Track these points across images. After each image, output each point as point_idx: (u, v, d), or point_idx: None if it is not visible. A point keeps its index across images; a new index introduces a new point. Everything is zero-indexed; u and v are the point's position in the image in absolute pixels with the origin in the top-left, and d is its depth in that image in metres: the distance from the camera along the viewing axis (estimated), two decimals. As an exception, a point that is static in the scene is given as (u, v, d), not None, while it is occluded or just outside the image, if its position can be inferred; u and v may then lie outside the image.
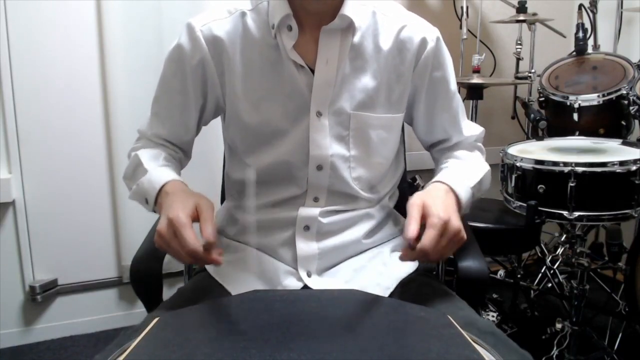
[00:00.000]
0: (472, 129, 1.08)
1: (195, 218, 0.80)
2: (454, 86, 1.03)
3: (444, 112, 1.04)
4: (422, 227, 0.81)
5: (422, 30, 0.97)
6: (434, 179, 0.96)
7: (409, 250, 0.79)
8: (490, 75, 2.34)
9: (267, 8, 0.93)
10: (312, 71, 0.92)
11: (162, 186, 0.89)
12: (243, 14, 0.94)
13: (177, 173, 0.95)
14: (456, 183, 0.92)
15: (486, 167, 1.03)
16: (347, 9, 0.90)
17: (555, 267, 2.06)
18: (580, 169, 1.40)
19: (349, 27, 0.92)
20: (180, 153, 1.05)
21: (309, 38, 0.92)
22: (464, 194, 0.92)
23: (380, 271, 0.98)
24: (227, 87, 0.95)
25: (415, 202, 0.83)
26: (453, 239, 0.81)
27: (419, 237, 0.79)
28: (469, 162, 1.04)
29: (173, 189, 0.88)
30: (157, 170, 0.93)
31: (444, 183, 0.92)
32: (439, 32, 0.99)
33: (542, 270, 2.09)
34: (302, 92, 0.92)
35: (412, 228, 0.79)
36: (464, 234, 0.83)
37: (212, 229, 0.78)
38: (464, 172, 0.98)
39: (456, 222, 0.82)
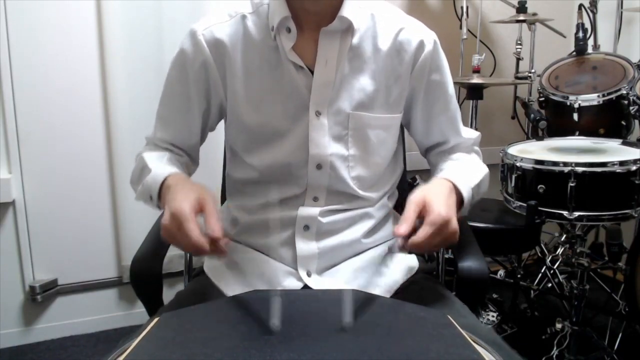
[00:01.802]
0: (469, 133, 1.08)
1: (198, 210, 0.81)
2: (451, 89, 1.04)
3: (441, 114, 1.04)
4: (420, 221, 0.82)
5: (420, 33, 0.97)
6: (438, 175, 0.95)
7: (400, 245, 0.80)
8: (490, 75, 2.34)
9: (267, 10, 0.94)
10: (311, 72, 0.92)
11: (164, 180, 0.90)
12: (243, 17, 0.95)
13: (180, 170, 0.96)
14: (460, 182, 0.92)
15: (485, 169, 1.03)
16: (346, 11, 0.90)
17: (555, 267, 2.06)
18: (580, 169, 1.40)
19: (348, 29, 0.92)
20: (185, 157, 1.05)
21: (308, 39, 0.92)
22: (467, 194, 0.92)
23: (380, 272, 0.98)
24: (229, 89, 0.96)
25: (415, 199, 0.84)
26: (447, 240, 0.82)
27: (413, 231, 0.80)
28: (469, 163, 1.04)
29: (175, 181, 0.89)
30: (160, 168, 0.94)
31: (448, 180, 0.92)
32: (436, 36, 1.00)
33: (542, 270, 2.09)
34: (301, 92, 0.93)
35: (404, 226, 0.80)
36: (457, 237, 0.84)
37: (217, 223, 0.79)
38: (466, 172, 0.98)
39: (454, 225, 0.82)
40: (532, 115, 1.92)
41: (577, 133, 1.80)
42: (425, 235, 0.80)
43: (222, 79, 0.96)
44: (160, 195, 0.90)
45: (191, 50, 0.95)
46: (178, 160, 1.02)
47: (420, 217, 0.82)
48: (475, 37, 2.22)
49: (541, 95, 1.93)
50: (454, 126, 1.06)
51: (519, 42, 2.17)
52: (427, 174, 0.99)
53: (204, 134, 1.06)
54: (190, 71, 0.96)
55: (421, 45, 0.97)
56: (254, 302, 0.76)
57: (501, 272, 2.03)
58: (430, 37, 0.98)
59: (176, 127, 1.02)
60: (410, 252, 1.05)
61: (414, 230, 0.81)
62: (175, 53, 0.98)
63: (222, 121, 1.07)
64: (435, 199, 0.83)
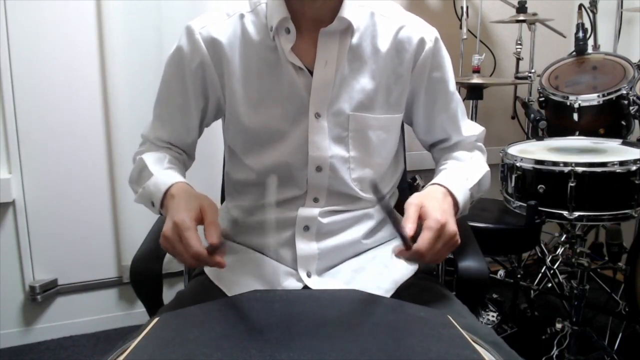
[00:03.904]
0: (472, 129, 1.08)
1: (200, 221, 0.82)
2: (452, 86, 1.03)
3: (443, 112, 1.04)
4: (419, 227, 0.82)
5: (421, 31, 0.97)
6: (432, 181, 0.96)
7: (404, 250, 0.80)
8: (490, 75, 2.34)
9: (265, 10, 0.93)
10: (311, 73, 0.92)
11: (168, 189, 0.90)
12: (242, 17, 0.94)
13: (181, 175, 0.96)
14: (454, 186, 0.92)
15: (485, 168, 1.03)
16: (346, 11, 0.90)
17: (555, 267, 2.06)
18: (580, 169, 1.40)
19: (348, 29, 0.92)
20: (183, 155, 1.05)
21: (307, 40, 0.92)
22: (462, 196, 0.92)
23: (380, 272, 0.98)
24: (227, 89, 0.95)
25: (413, 202, 0.85)
26: (448, 243, 0.83)
27: (414, 237, 0.80)
28: (468, 163, 1.04)
29: (178, 191, 0.89)
30: (162, 174, 0.93)
31: (442, 185, 0.92)
32: (437, 33, 0.99)
33: (542, 270, 2.09)
34: (300, 94, 0.92)
35: (409, 226, 0.80)
36: (458, 239, 0.84)
37: (216, 232, 0.80)
38: (463, 174, 0.98)
39: (452, 226, 0.83)
40: (532, 115, 1.92)
41: (577, 133, 1.80)
42: (427, 239, 0.80)
43: (220, 78, 0.95)
44: (162, 203, 0.90)
45: (188, 48, 0.94)
46: (177, 159, 1.02)
47: (420, 222, 0.83)
48: (475, 37, 2.22)
49: (541, 95, 1.93)
50: (455, 124, 1.06)
51: (519, 42, 2.17)
52: (427, 174, 0.99)
53: (201, 131, 1.06)
54: (188, 69, 0.95)
55: (422, 43, 0.96)
56: (254, 302, 0.76)
57: (501, 272, 2.03)
58: (431, 35, 0.97)
59: (174, 125, 1.02)
60: (415, 262, 1.05)
61: (416, 235, 0.81)
62: (172, 50, 0.97)
63: (220, 120, 1.07)
64: (430, 204, 0.84)
